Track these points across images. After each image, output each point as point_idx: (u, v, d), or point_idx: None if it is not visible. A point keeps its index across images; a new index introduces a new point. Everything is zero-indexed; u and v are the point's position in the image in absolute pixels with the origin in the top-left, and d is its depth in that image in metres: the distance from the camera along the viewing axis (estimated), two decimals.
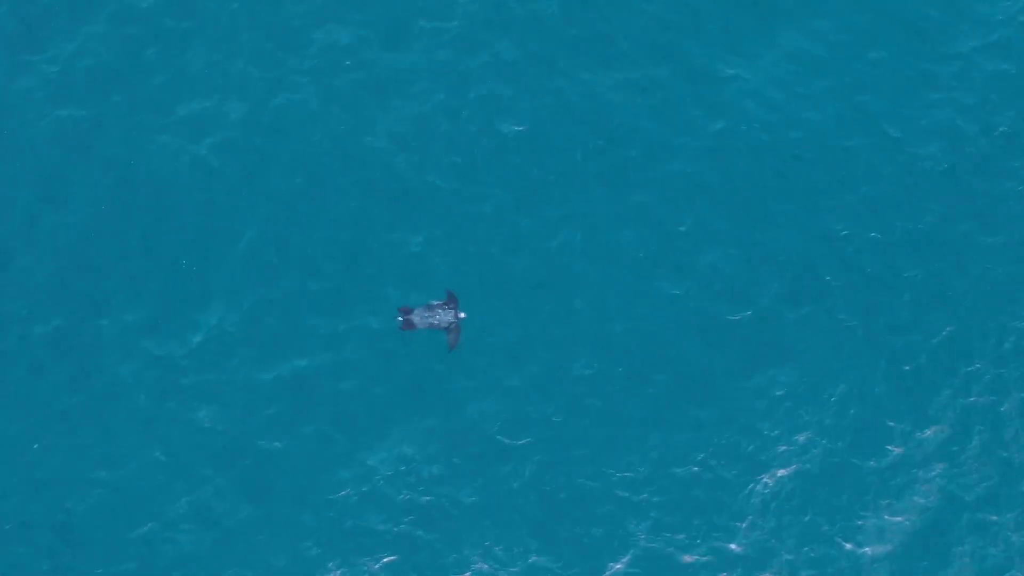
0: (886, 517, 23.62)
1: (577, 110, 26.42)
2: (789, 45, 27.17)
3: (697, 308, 25.04)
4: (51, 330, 24.34)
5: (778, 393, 24.48)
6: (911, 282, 25.36)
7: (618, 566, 23.15)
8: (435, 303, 24.48)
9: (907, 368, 24.71)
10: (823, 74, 26.94)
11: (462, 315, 24.39)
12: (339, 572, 22.93)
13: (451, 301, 24.47)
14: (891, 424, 24.32)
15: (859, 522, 23.60)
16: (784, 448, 24.11)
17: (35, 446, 23.53)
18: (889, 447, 24.15)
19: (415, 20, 27.01)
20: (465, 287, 24.75)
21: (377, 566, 23.10)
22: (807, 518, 23.66)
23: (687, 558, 23.25)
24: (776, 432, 24.20)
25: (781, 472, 23.93)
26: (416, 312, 24.35)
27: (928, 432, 24.24)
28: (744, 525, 23.52)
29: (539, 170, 25.99)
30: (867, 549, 23.39)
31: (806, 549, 23.42)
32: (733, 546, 23.38)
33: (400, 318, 24.37)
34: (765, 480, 23.88)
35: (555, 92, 26.51)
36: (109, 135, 25.72)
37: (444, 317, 24.29)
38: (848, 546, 23.45)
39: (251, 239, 25.09)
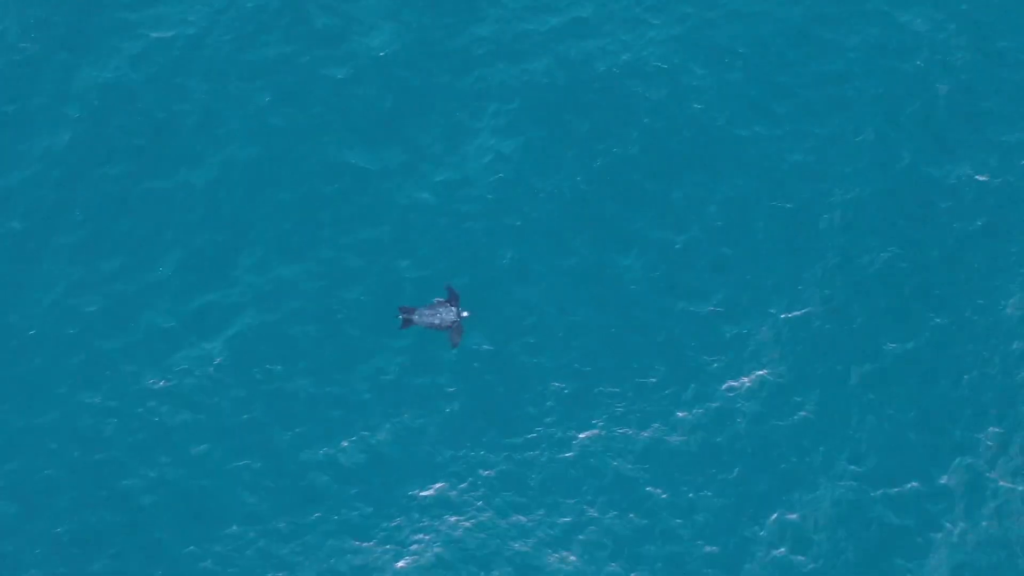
0: (906, 564, 22.91)
1: (572, 119, 26.14)
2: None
3: (694, 319, 24.54)
4: (28, 346, 24.25)
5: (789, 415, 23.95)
6: (930, 300, 24.75)
7: None
8: (436, 301, 24.16)
9: (913, 381, 24.06)
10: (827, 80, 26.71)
11: (465, 313, 24.02)
12: None
13: (452, 299, 24.11)
14: (905, 447, 23.70)
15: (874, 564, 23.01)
16: (791, 471, 23.51)
17: None
18: (907, 482, 23.45)
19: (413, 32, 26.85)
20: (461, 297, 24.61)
21: None
22: (818, 560, 23.00)
23: None
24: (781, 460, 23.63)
25: (792, 505, 23.37)
26: (417, 311, 24.01)
27: (948, 472, 23.55)
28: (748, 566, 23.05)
29: (537, 183, 25.65)
30: None
31: None
32: None
33: (400, 317, 24.01)
34: (774, 516, 23.25)
35: (550, 105, 26.24)
36: (106, 159, 25.68)
37: (446, 316, 23.96)
38: None
39: (233, 254, 24.94)
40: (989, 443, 23.62)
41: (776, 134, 25.98)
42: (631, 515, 23.12)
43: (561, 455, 23.55)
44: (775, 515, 23.11)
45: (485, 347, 24.20)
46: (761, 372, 24.09)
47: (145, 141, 25.68)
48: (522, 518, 23.14)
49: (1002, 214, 25.36)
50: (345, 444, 23.51)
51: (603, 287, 24.75)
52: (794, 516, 23.12)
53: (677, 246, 25.04)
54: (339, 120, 26.03)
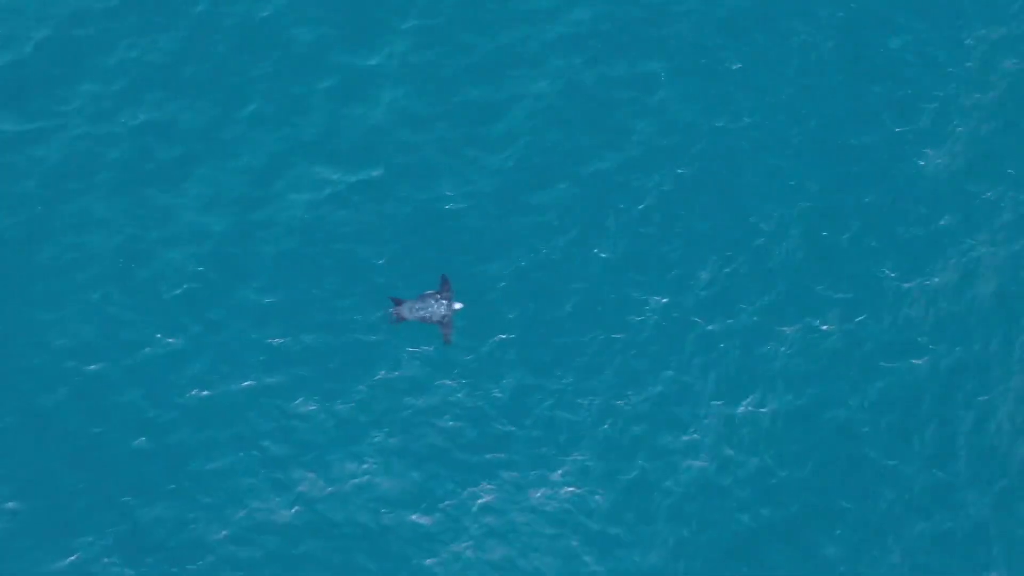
0: None
1: (564, 128, 25.59)
2: None
3: (687, 334, 24.02)
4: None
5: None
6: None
7: None
8: (428, 293, 23.58)
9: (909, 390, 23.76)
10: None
11: (457, 306, 23.52)
12: None
13: (445, 291, 23.44)
14: (891, 464, 23.28)
15: None
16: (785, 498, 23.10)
17: None
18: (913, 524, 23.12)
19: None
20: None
21: None
22: None
23: None
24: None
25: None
26: (407, 304, 23.40)
27: (952, 515, 23.24)
28: None
29: (529, 195, 25.04)
30: None
31: None
32: None
33: (391, 311, 23.42)
34: (764, 556, 22.91)
35: (543, 112, 25.66)
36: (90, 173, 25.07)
37: (437, 310, 23.38)
38: None
39: (217, 266, 24.40)
40: (996, 485, 23.48)
41: (776, 140, 25.58)
42: (613, 549, 22.83)
43: (542, 482, 23.13)
44: (766, 552, 22.93)
45: (467, 358, 23.69)
46: (754, 396, 23.75)
47: (130, 156, 25.19)
48: (500, 548, 22.79)
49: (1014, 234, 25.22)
50: (311, 462, 23.12)
51: (592, 301, 24.22)
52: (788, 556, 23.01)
53: (669, 252, 24.64)
54: (326, 136, 25.50)
